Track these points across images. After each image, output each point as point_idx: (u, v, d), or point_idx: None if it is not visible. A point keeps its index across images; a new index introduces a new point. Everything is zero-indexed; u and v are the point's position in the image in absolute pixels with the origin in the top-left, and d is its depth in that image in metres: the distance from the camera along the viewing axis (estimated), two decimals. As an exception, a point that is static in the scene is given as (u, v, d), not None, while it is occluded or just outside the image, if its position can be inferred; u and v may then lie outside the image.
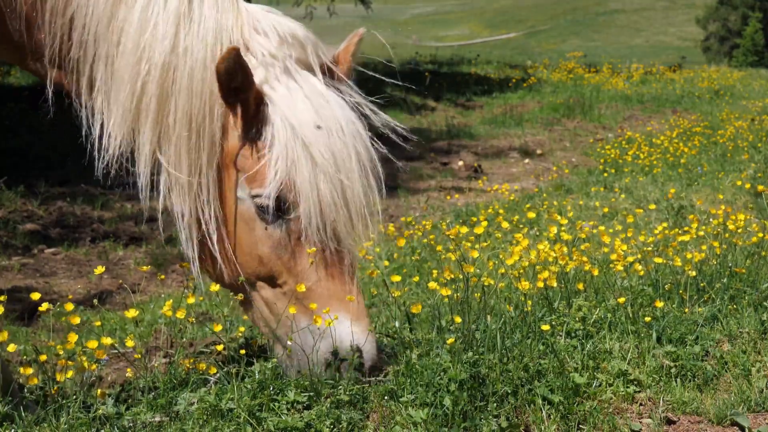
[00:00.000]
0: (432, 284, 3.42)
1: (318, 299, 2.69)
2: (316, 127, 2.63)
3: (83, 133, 2.70)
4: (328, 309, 2.67)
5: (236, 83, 2.54)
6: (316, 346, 2.68)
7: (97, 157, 2.67)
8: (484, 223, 3.94)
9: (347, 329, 2.67)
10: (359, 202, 2.71)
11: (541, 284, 3.66)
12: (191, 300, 3.13)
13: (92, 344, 2.80)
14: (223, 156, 2.67)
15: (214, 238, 2.68)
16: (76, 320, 2.84)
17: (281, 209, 2.65)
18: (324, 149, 2.64)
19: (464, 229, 3.62)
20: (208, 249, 2.72)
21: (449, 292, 3.28)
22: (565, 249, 4.08)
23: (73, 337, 2.78)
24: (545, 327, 3.27)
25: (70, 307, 2.84)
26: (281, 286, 2.72)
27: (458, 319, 3.19)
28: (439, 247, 3.70)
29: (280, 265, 2.70)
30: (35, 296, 2.87)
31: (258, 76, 2.63)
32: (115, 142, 2.64)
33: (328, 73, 2.80)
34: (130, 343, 2.95)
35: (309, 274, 2.69)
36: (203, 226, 2.69)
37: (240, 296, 2.82)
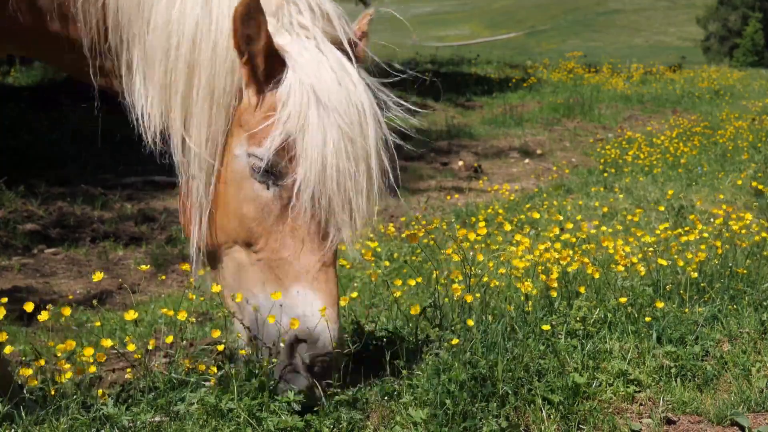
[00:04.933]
0: (414, 309, 3.33)
1: (290, 272, 2.59)
2: (337, 94, 2.57)
3: (130, 118, 2.69)
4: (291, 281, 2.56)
5: (250, 30, 2.48)
6: (275, 320, 2.58)
7: (144, 135, 2.64)
8: (482, 224, 3.94)
9: (312, 309, 2.55)
10: (369, 179, 2.64)
11: (543, 283, 3.67)
12: (191, 297, 3.13)
13: (88, 351, 2.79)
14: (233, 118, 2.62)
15: (210, 214, 2.65)
16: (68, 311, 2.82)
17: (275, 172, 2.58)
18: (344, 115, 2.57)
19: (472, 235, 3.62)
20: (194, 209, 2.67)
21: (459, 291, 3.26)
22: (567, 252, 4.08)
23: (71, 345, 2.76)
24: (545, 327, 3.27)
25: (67, 312, 2.83)
26: (257, 252, 2.64)
27: (471, 322, 3.17)
28: (449, 251, 3.69)
29: (261, 228, 2.62)
30: (29, 307, 2.79)
31: (284, 40, 2.59)
32: (154, 121, 2.63)
33: (353, 52, 2.74)
34: (131, 347, 2.94)
35: (287, 243, 2.60)
36: (207, 206, 2.64)
37: (214, 286, 2.76)
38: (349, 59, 2.69)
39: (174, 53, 2.57)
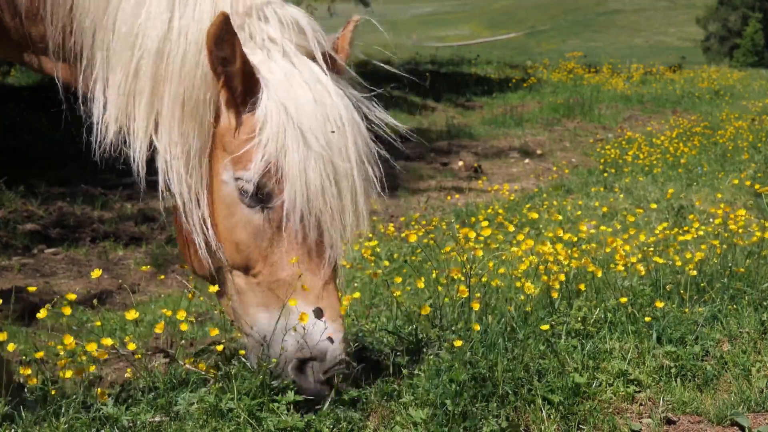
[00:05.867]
0: (425, 309, 3.32)
1: (289, 292, 2.60)
2: (312, 113, 2.56)
3: (84, 123, 2.67)
4: (294, 302, 2.58)
5: (224, 53, 2.47)
6: (282, 341, 2.59)
7: (94, 142, 2.62)
8: (485, 223, 3.94)
9: (319, 330, 2.58)
10: (352, 195, 2.63)
11: (543, 283, 3.67)
12: (190, 297, 3.12)
13: (91, 347, 2.79)
14: (215, 140, 2.61)
15: (197, 222, 2.62)
16: (68, 311, 2.82)
17: (262, 195, 2.57)
18: (319, 135, 2.56)
19: (471, 233, 3.61)
20: (188, 235, 2.66)
21: (466, 292, 3.25)
22: (568, 251, 4.08)
23: (70, 341, 2.75)
24: (545, 327, 3.27)
25: (68, 311, 2.83)
26: (255, 276, 2.65)
27: (477, 327, 3.16)
28: (447, 248, 3.69)
29: (257, 253, 2.62)
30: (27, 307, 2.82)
31: (255, 58, 2.58)
32: (112, 128, 2.61)
33: (330, 63, 2.72)
34: (132, 346, 2.94)
35: (284, 265, 2.61)
36: (189, 212, 2.63)
37: (214, 288, 2.76)
38: (324, 72, 2.66)
39: (137, 62, 2.55)
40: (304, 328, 2.57)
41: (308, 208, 2.56)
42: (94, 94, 2.64)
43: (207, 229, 2.63)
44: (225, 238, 2.65)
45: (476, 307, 3.22)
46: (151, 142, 2.60)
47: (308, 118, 2.56)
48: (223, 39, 2.44)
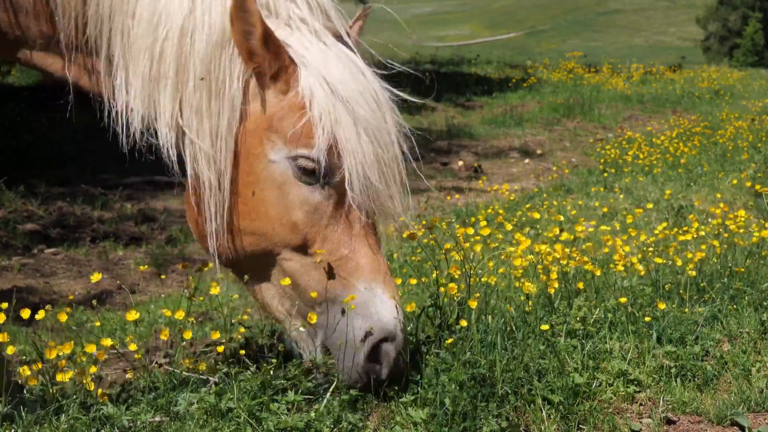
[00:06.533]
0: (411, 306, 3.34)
1: (353, 268, 2.57)
2: (353, 88, 2.56)
3: (105, 114, 2.63)
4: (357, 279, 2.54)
5: (245, 24, 2.46)
6: (349, 323, 2.54)
7: (121, 132, 2.58)
8: (483, 223, 3.94)
9: (385, 306, 2.55)
10: (396, 167, 2.64)
11: (543, 282, 3.67)
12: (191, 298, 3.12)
13: (90, 348, 2.79)
14: (247, 120, 2.57)
15: (226, 206, 2.57)
16: (64, 316, 2.82)
17: (324, 170, 2.55)
18: (364, 108, 2.56)
19: (470, 231, 3.61)
20: (222, 220, 2.60)
21: (455, 290, 3.26)
22: (567, 250, 4.08)
23: (70, 346, 2.75)
24: (545, 327, 3.27)
25: (63, 318, 2.82)
26: (313, 255, 2.59)
27: (464, 323, 3.17)
28: (447, 245, 3.69)
29: (315, 231, 2.58)
30: (25, 314, 2.80)
31: (282, 34, 2.56)
32: (137, 115, 2.56)
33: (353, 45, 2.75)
34: (133, 346, 2.94)
35: (345, 241, 2.58)
36: (221, 195, 2.58)
37: (216, 290, 2.75)
38: (352, 51, 2.68)
39: (161, 45, 2.51)
40: (372, 309, 2.54)
41: (365, 181, 2.55)
42: (115, 83, 2.59)
43: (224, 212, 2.58)
44: (275, 220, 2.59)
45: (474, 304, 3.22)
46: (177, 126, 2.56)
47: (350, 92, 2.56)
48: (243, 10, 2.43)
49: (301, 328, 2.68)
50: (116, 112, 2.59)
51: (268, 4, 2.60)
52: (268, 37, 2.49)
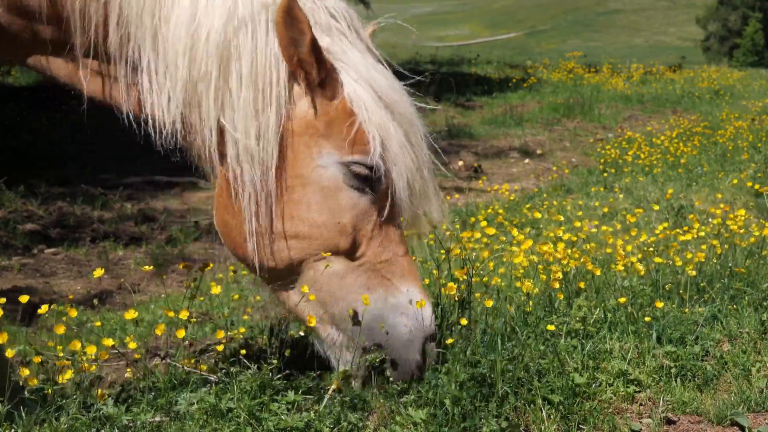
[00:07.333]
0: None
1: (394, 271, 2.68)
2: (392, 95, 2.64)
3: (126, 119, 2.61)
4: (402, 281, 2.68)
5: (294, 33, 2.46)
6: (399, 323, 2.66)
7: (153, 135, 2.55)
8: (484, 223, 3.94)
9: (428, 308, 2.69)
10: (432, 173, 2.76)
11: (543, 282, 3.67)
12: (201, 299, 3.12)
13: (91, 349, 2.79)
14: (292, 122, 2.58)
15: (268, 204, 2.58)
16: (74, 313, 2.82)
17: (377, 176, 2.61)
18: (403, 114, 2.65)
19: (477, 234, 3.61)
20: (264, 222, 2.61)
21: (454, 290, 3.27)
22: (568, 251, 4.08)
23: (76, 345, 2.76)
24: (551, 327, 3.26)
25: (73, 313, 2.83)
26: (358, 258, 2.66)
27: (464, 321, 3.18)
28: (451, 246, 3.70)
29: (361, 234, 2.65)
30: (24, 299, 2.81)
31: (324, 42, 2.58)
32: (169, 118, 2.54)
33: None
34: (132, 345, 2.94)
35: (387, 245, 2.68)
36: (263, 197, 2.58)
37: (282, 280, 2.69)
38: (380, 60, 2.75)
39: (203, 46, 2.49)
40: (414, 309, 2.66)
41: (410, 187, 2.66)
42: (143, 86, 2.56)
43: (282, 217, 2.60)
44: (321, 224, 2.62)
45: (489, 303, 3.24)
46: (219, 126, 2.55)
47: (391, 100, 2.64)
48: (292, 17, 2.44)
49: (336, 333, 2.72)
50: (146, 116, 2.57)
51: (311, 12, 2.60)
52: (314, 44, 2.51)
